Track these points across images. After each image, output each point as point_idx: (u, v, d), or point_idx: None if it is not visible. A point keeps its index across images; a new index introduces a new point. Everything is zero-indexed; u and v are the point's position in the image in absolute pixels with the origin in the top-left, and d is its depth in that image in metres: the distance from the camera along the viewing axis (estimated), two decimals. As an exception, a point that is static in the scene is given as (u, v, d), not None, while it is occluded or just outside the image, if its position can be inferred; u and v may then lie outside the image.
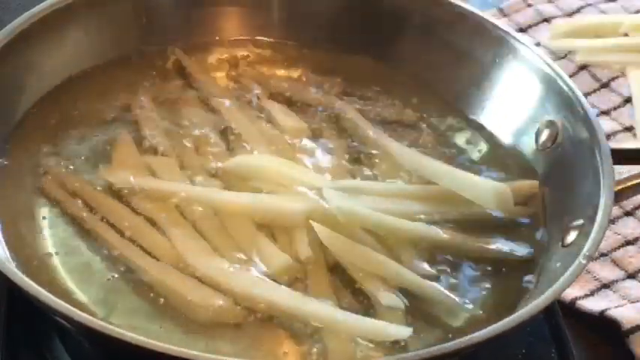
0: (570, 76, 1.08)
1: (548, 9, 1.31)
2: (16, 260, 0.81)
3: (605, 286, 0.98)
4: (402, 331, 0.78)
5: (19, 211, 0.86)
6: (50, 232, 0.85)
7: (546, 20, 1.29)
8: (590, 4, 1.33)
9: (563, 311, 0.92)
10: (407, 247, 0.86)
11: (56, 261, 0.83)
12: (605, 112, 1.17)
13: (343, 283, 0.83)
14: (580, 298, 0.96)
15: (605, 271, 0.99)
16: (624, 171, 0.94)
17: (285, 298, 0.80)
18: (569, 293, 0.96)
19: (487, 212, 0.90)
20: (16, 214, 0.85)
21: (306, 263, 0.83)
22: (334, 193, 0.87)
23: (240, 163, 0.91)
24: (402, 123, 1.00)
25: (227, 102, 0.99)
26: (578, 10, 1.31)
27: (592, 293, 0.97)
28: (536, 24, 1.29)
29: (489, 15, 1.13)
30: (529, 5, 1.31)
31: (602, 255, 1.01)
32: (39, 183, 0.88)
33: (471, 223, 0.89)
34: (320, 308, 0.79)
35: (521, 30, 1.27)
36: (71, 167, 0.90)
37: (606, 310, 0.94)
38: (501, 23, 1.03)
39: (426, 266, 0.85)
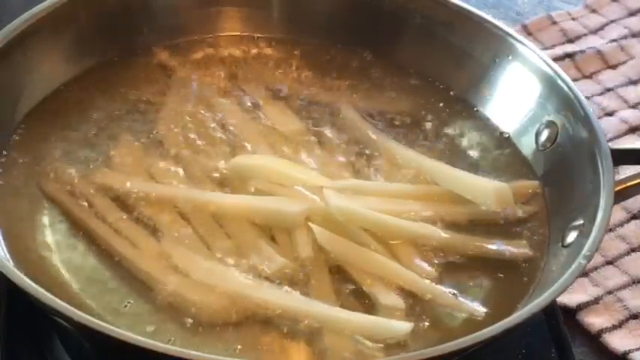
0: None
1: (573, 26, 1.28)
2: (16, 260, 0.81)
3: (634, 316, 0.96)
4: (403, 326, 0.78)
5: (19, 211, 0.85)
6: (50, 233, 0.85)
7: (571, 41, 1.26)
8: (613, 20, 1.30)
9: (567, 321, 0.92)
10: (407, 247, 0.86)
11: (56, 261, 0.83)
12: None
13: (344, 283, 0.83)
14: (607, 330, 0.95)
15: (636, 300, 0.97)
16: (624, 172, 0.95)
17: (284, 299, 0.80)
18: (596, 323, 0.95)
19: (487, 212, 0.90)
20: (17, 215, 0.85)
21: (306, 264, 0.83)
22: (334, 193, 0.87)
23: (239, 163, 0.91)
24: (401, 122, 0.99)
25: (226, 101, 0.99)
26: (602, 28, 1.29)
27: (620, 325, 0.95)
28: (562, 44, 1.26)
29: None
30: (554, 23, 1.29)
31: (635, 282, 0.99)
32: (40, 184, 0.88)
33: (471, 223, 0.89)
34: (319, 307, 0.79)
35: (545, 49, 1.24)
36: (72, 168, 0.89)
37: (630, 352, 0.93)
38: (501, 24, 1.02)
39: (426, 266, 0.85)
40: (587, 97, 1.17)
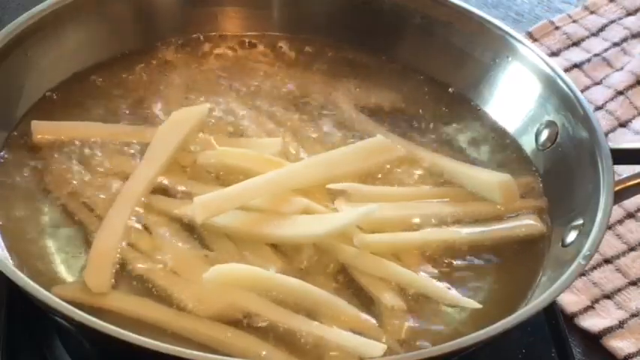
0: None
1: (575, 30, 1.28)
2: (16, 260, 0.81)
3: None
4: (377, 348, 0.76)
5: (19, 210, 0.85)
6: (51, 232, 0.85)
7: (575, 44, 1.26)
8: (612, 21, 1.30)
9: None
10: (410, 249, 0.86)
11: (57, 260, 0.83)
12: None
13: (345, 283, 0.83)
14: (607, 331, 0.95)
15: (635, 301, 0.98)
16: (624, 171, 0.95)
17: (263, 309, 0.79)
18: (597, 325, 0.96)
19: (490, 212, 0.90)
20: (17, 214, 0.85)
21: (307, 265, 0.83)
22: (346, 205, 0.86)
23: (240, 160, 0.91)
24: (402, 121, 0.99)
25: (226, 98, 0.99)
26: (602, 29, 1.28)
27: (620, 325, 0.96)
28: (567, 47, 1.26)
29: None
30: (556, 28, 1.28)
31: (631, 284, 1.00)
32: (40, 183, 0.88)
33: (475, 223, 0.89)
34: (299, 321, 0.78)
35: (553, 54, 1.24)
36: (72, 167, 0.89)
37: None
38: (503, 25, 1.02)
39: (427, 266, 0.85)
40: (600, 107, 1.18)
